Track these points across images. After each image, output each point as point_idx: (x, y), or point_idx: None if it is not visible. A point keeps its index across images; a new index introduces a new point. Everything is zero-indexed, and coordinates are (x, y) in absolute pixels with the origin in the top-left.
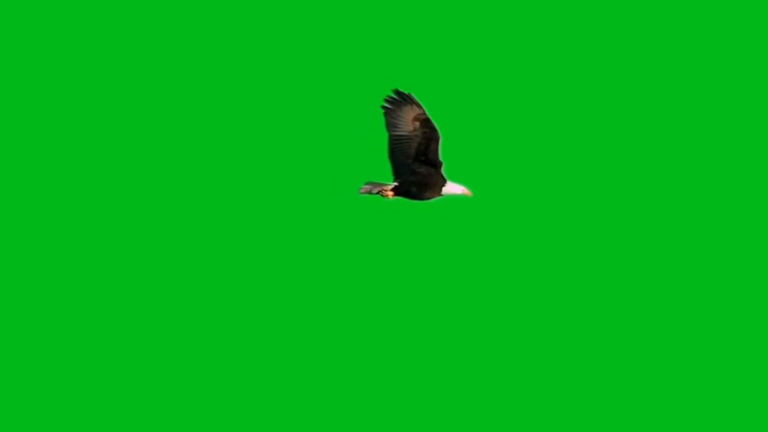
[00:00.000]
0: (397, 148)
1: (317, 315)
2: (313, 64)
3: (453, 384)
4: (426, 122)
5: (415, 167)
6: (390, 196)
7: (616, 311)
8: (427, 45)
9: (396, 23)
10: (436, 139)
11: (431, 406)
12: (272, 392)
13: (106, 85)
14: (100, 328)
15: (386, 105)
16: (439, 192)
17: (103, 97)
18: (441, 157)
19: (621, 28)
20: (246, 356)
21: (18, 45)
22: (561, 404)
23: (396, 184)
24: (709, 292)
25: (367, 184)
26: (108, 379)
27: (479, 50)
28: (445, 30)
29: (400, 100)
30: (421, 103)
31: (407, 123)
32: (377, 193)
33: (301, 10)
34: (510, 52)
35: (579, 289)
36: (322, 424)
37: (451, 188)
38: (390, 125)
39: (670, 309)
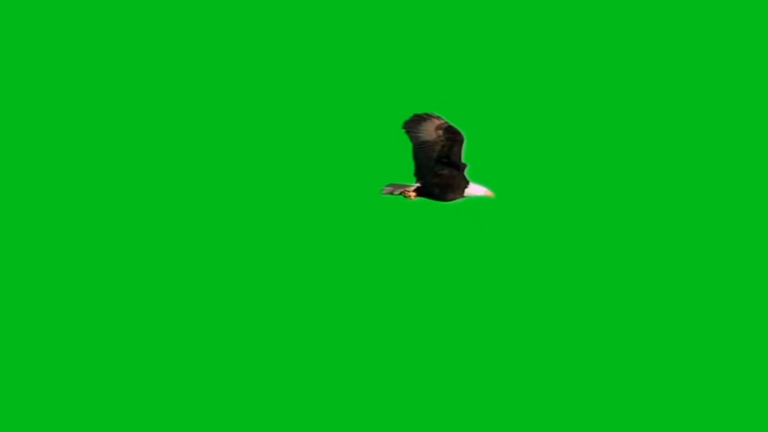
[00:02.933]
0: (420, 152)
1: (341, 315)
2: (336, 67)
3: (475, 384)
4: (448, 129)
5: (438, 169)
6: (412, 197)
7: (644, 312)
8: (447, 45)
9: (416, 25)
10: (460, 142)
11: (455, 407)
12: (298, 392)
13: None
14: (123, 328)
15: (406, 128)
16: (461, 193)
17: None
18: (464, 160)
19: (642, 29)
20: (266, 356)
21: (18, 45)
22: (585, 404)
23: (419, 185)
24: (720, 296)
25: (389, 185)
26: (120, 378)
27: (500, 52)
28: (466, 31)
29: (418, 120)
30: (441, 115)
31: (430, 133)
32: (400, 194)
33: (325, 13)
34: (532, 54)
35: (601, 287)
36: (336, 426)
37: (474, 190)
38: (413, 136)
39: (682, 310)
